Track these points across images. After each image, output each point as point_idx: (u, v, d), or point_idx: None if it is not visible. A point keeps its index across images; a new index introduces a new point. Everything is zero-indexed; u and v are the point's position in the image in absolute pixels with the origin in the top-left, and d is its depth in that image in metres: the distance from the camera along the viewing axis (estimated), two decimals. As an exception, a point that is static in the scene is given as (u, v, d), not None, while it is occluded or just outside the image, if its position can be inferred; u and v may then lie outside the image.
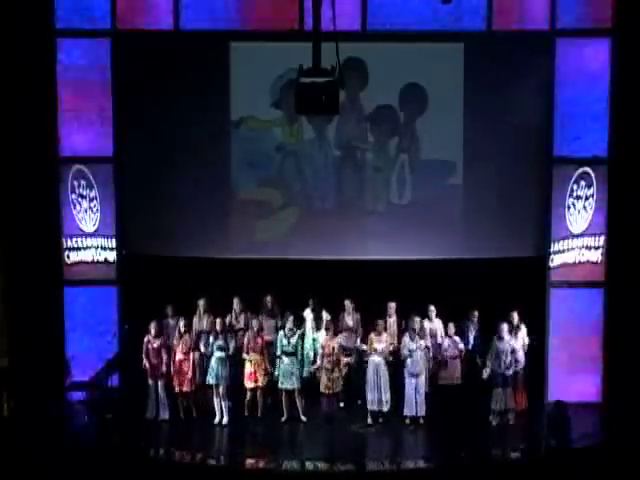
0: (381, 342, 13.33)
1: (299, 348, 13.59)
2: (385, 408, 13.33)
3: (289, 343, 13.44)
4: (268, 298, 14.06)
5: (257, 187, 14.46)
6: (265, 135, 14.33)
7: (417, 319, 13.43)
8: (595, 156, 14.14)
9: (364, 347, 13.53)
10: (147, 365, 13.51)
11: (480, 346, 13.62)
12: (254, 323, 13.59)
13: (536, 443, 12.84)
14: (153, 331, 13.55)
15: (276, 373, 13.55)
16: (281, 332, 13.55)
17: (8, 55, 13.88)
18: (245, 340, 13.55)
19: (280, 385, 13.49)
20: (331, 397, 13.36)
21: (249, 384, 13.52)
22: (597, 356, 14.27)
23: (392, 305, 13.91)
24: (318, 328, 13.85)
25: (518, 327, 13.69)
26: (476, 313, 13.84)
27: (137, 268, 14.34)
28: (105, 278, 14.51)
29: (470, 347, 13.70)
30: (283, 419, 13.53)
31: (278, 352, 13.51)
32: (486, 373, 13.30)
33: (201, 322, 13.90)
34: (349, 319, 13.96)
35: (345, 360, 13.53)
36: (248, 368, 13.51)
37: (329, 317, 13.87)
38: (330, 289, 14.03)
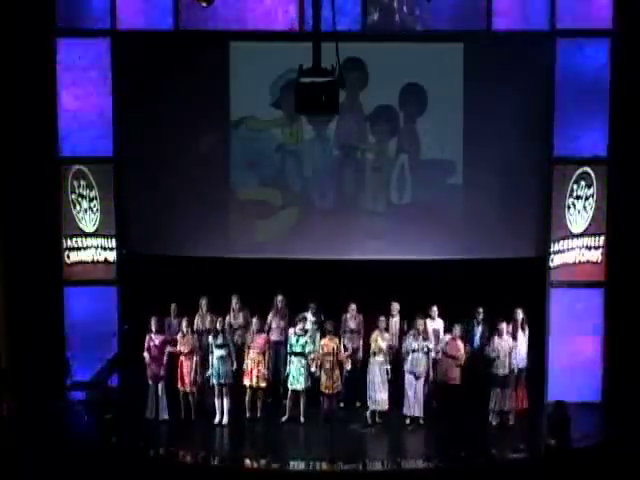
0: (385, 340, 13.33)
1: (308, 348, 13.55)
2: (383, 407, 13.32)
3: (297, 342, 13.43)
4: (279, 298, 14.03)
5: (257, 187, 14.46)
6: (265, 135, 14.34)
7: (421, 320, 13.40)
8: (595, 156, 14.16)
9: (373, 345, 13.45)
10: (148, 361, 13.47)
11: (485, 345, 13.62)
12: (254, 322, 13.59)
13: (536, 443, 12.84)
14: (154, 327, 13.54)
15: (286, 372, 13.55)
16: (291, 331, 13.55)
17: (8, 55, 13.88)
18: (247, 338, 13.57)
19: (289, 385, 13.48)
20: (331, 397, 13.36)
21: (246, 381, 13.51)
22: (597, 356, 14.28)
23: (396, 306, 13.90)
24: (322, 334, 13.71)
25: (523, 325, 13.69)
26: (481, 310, 13.79)
27: (137, 268, 14.34)
28: (105, 278, 14.52)
29: (475, 346, 13.68)
30: (284, 419, 13.52)
31: (288, 352, 13.51)
32: (500, 370, 13.25)
33: (204, 321, 13.90)
34: (352, 322, 13.96)
35: (347, 353, 13.49)
36: (247, 366, 13.51)
37: (323, 318, 13.86)
38: (330, 289, 14.05)
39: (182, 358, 13.53)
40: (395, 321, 13.91)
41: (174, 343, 13.56)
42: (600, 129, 14.03)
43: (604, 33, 13.89)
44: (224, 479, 12.21)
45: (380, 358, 13.28)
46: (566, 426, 11.99)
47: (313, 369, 13.40)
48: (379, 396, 13.26)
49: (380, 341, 13.29)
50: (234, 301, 13.99)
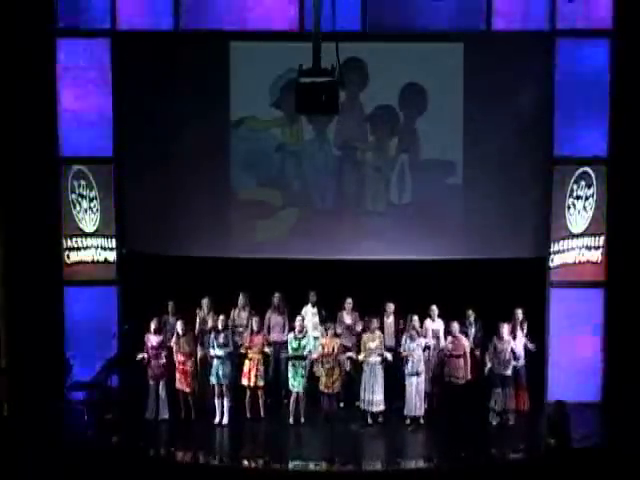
0: (374, 340, 13.31)
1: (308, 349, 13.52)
2: (378, 408, 13.31)
3: (299, 345, 13.40)
4: (276, 295, 14.02)
5: (257, 187, 14.46)
6: (265, 135, 14.34)
7: (416, 318, 13.41)
8: (595, 156, 14.16)
9: (360, 357, 13.43)
10: (147, 362, 13.47)
11: (479, 345, 13.63)
12: (253, 322, 13.58)
13: (536, 443, 12.85)
14: (153, 328, 13.54)
15: (286, 374, 13.53)
16: (291, 334, 13.51)
17: (8, 55, 13.88)
18: (245, 339, 13.58)
19: (290, 387, 13.45)
20: (331, 397, 13.36)
21: (244, 382, 13.50)
22: (597, 356, 14.28)
23: (391, 306, 13.88)
24: (321, 322, 13.81)
25: (523, 324, 13.69)
26: (471, 312, 13.82)
27: (137, 268, 14.34)
28: (105, 278, 14.52)
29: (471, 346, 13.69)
30: (290, 421, 13.43)
31: (289, 353, 13.49)
32: (486, 370, 13.32)
33: (205, 321, 13.88)
34: (348, 317, 13.96)
35: (346, 355, 13.50)
36: (246, 367, 13.51)
37: (325, 314, 13.86)
38: (329, 289, 14.04)
39: (182, 358, 13.53)
40: (390, 321, 13.84)
41: (169, 349, 13.54)
42: (600, 129, 14.03)
43: (604, 33, 13.89)
44: (224, 479, 12.21)
45: (371, 359, 13.25)
46: (566, 426, 11.99)
47: (315, 369, 13.40)
48: (375, 397, 13.24)
49: (370, 343, 13.27)
50: (240, 299, 13.98)
